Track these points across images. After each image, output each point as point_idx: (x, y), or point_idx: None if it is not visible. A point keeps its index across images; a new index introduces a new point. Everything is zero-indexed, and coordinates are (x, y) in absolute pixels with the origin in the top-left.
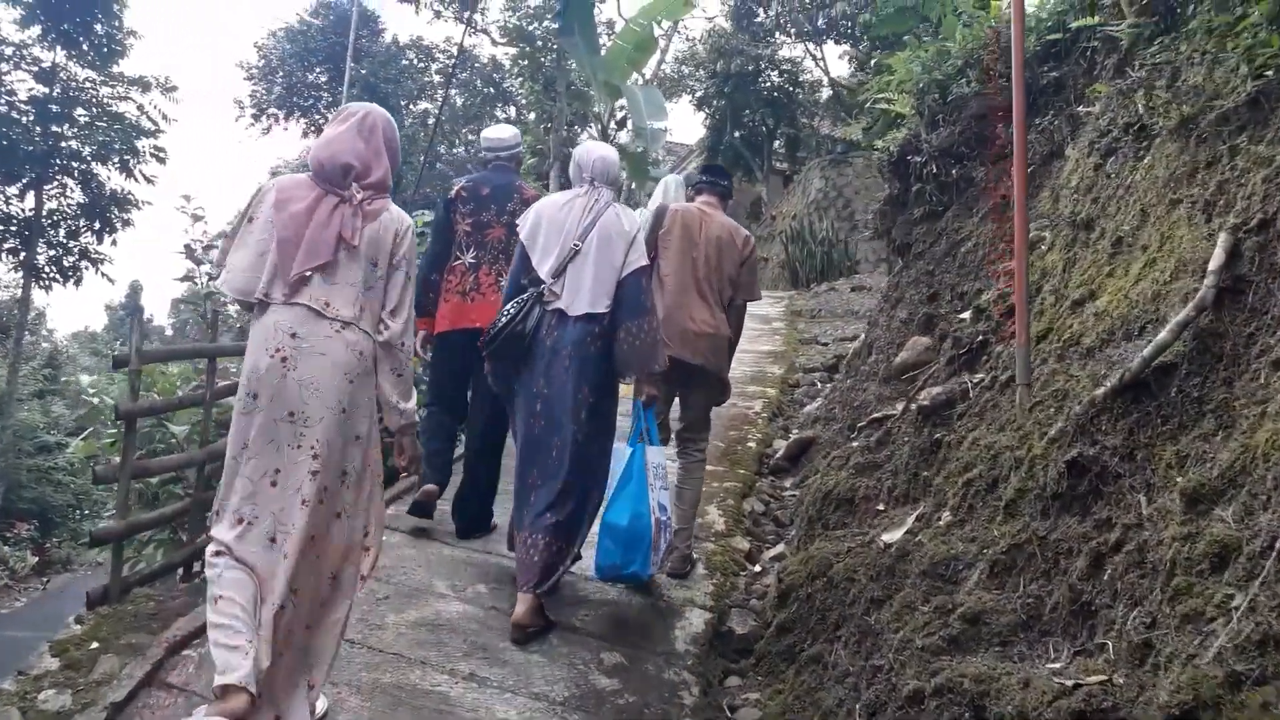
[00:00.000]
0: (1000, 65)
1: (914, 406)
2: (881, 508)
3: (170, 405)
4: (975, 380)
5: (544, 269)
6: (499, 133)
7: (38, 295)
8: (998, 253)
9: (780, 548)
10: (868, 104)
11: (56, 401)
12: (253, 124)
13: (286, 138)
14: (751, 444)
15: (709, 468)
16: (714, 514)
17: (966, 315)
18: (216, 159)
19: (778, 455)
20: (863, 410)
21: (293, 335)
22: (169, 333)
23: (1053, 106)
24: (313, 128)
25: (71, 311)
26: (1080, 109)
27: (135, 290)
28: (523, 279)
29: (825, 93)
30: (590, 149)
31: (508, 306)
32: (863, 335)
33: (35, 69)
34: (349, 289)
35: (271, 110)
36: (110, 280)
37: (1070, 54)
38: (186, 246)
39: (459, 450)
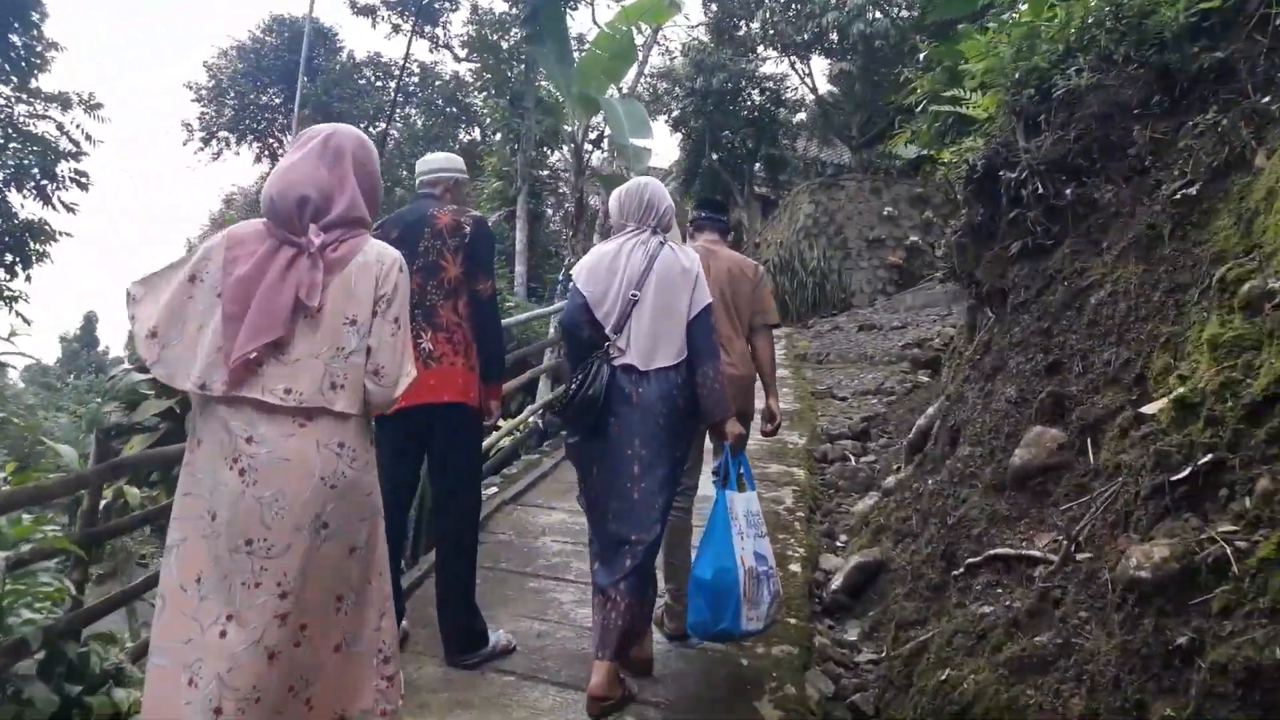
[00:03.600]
0: (1126, 47)
1: (1110, 578)
2: None
3: None
4: (1230, 537)
5: (608, 325)
6: (425, 160)
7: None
8: (1152, 307)
9: None
10: (920, 107)
11: None
12: (202, 148)
13: (239, 163)
14: (795, 566)
15: None
16: (771, 715)
17: (1157, 410)
18: (168, 187)
19: (834, 586)
20: (965, 533)
21: (249, 440)
22: (126, 365)
23: (1217, 99)
24: (266, 152)
25: (24, 344)
26: (1264, 100)
27: (90, 321)
28: (584, 332)
29: (809, 111)
30: (658, 191)
31: (576, 372)
32: (931, 410)
33: None
34: (314, 364)
35: (222, 133)
36: (26, 320)
37: (1234, 26)
38: None
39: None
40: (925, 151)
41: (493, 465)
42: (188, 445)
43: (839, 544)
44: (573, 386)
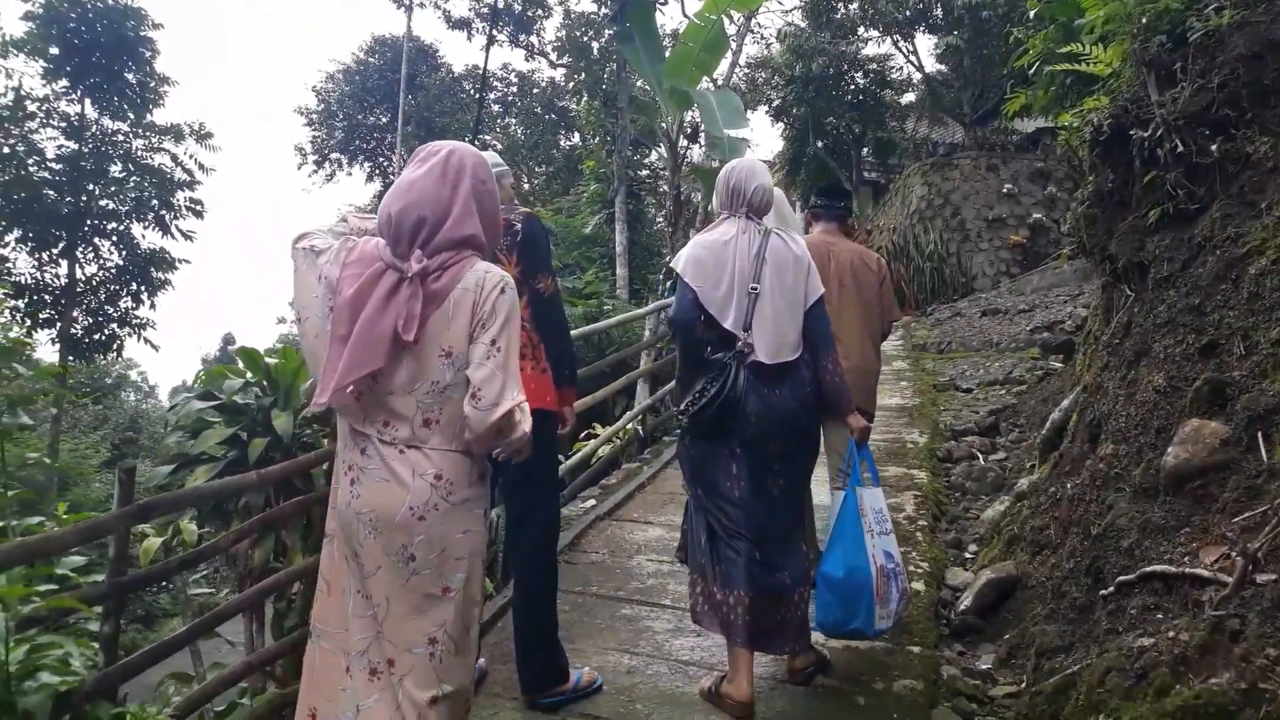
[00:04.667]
0: None
1: None
2: None
3: None
4: None
5: (727, 320)
6: None
7: (130, 351)
8: None
9: None
10: (1034, 69)
11: (138, 464)
12: (315, 171)
13: (352, 183)
14: (918, 584)
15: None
16: None
17: None
18: (284, 209)
19: (963, 605)
20: (1112, 544)
21: (363, 451)
22: (187, 394)
23: None
24: (377, 170)
25: (176, 365)
26: None
27: (227, 342)
28: (698, 330)
29: (916, 91)
30: (746, 173)
31: (709, 376)
32: (1066, 403)
33: (64, 125)
34: (408, 400)
35: (334, 155)
36: (154, 346)
37: None
38: None
39: None
40: (1046, 122)
41: (591, 475)
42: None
43: (968, 555)
44: (709, 389)
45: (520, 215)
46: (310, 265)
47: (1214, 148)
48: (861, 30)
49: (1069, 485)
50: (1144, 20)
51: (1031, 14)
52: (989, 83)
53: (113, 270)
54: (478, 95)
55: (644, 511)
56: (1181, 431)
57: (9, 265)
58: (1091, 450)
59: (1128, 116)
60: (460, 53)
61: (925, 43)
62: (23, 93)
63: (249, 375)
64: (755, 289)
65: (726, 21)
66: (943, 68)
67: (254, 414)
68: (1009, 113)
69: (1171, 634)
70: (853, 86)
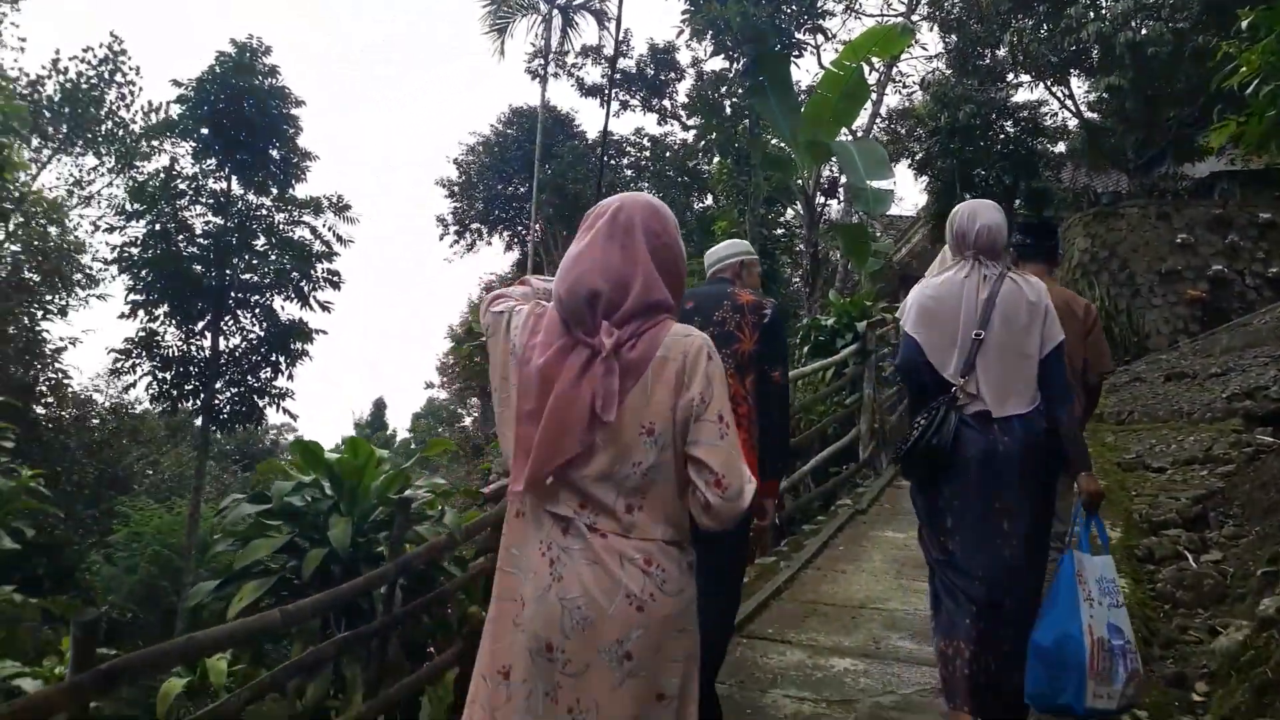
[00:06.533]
0: None
1: None
2: None
3: None
4: None
5: (947, 368)
6: (711, 251)
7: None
8: None
9: None
10: (1249, 87)
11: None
12: (457, 241)
13: (491, 252)
14: None
15: None
16: None
17: None
18: (426, 280)
19: None
20: None
21: (565, 530)
22: (413, 446)
23: None
24: (515, 239)
25: (332, 428)
26: None
27: (379, 407)
28: (921, 376)
29: (1072, 138)
30: (973, 215)
31: (918, 418)
32: None
33: (211, 202)
34: (606, 484)
35: (475, 225)
36: (293, 415)
37: None
38: None
39: None
40: (1222, 165)
41: None
42: (508, 513)
43: (1196, 697)
44: (914, 433)
45: (771, 304)
46: (504, 336)
47: None
48: (1011, 76)
49: None
50: None
51: (1243, 25)
52: (1156, 124)
53: (254, 341)
54: (599, 162)
55: (781, 627)
56: None
57: (159, 339)
58: None
59: None
60: (595, 119)
61: (1081, 87)
62: (174, 171)
63: (306, 474)
64: (980, 335)
65: (866, 69)
66: (1099, 112)
67: (313, 518)
68: (1215, 144)
69: None
70: (1002, 135)
